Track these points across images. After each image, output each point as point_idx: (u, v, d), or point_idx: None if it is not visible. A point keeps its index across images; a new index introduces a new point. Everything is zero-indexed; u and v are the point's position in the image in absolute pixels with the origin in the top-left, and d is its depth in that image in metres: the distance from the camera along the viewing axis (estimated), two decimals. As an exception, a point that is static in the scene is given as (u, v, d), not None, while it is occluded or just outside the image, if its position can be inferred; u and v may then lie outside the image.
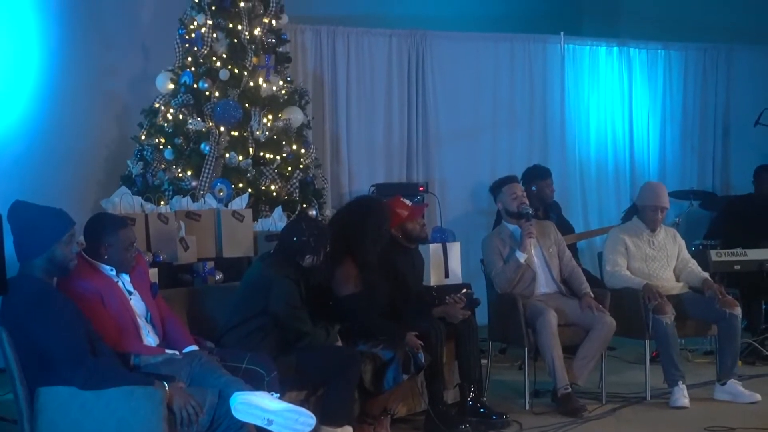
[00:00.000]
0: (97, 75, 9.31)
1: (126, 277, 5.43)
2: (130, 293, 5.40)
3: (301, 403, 5.82)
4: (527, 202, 7.70)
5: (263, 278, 6.09)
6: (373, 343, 6.33)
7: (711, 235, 9.78)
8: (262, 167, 8.45)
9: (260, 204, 8.27)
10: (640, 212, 8.00)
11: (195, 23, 8.56)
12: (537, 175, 9.45)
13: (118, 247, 5.34)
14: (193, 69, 8.49)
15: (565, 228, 9.34)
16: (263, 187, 8.38)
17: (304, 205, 8.51)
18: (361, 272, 6.53)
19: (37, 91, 8.95)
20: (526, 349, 7.40)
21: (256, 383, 5.29)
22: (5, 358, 4.75)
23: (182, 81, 8.48)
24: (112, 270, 5.35)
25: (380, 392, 6.25)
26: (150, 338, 5.36)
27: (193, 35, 8.57)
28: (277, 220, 7.82)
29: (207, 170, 8.17)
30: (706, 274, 8.00)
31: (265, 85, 8.68)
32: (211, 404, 4.85)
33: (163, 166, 8.39)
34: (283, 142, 8.63)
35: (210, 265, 7.09)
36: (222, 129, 8.33)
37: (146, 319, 5.42)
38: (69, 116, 9.06)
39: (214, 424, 4.86)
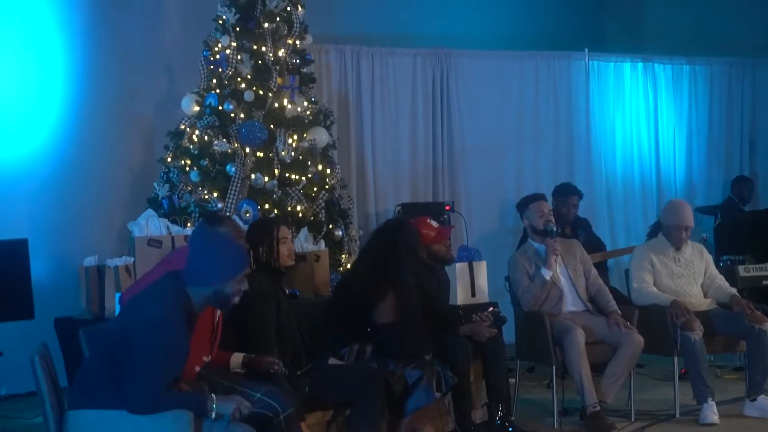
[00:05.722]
0: (122, 98, 9.39)
1: None
2: None
3: (327, 425, 5.81)
4: (553, 220, 7.68)
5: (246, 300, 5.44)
6: (404, 363, 6.28)
7: (721, 248, 9.83)
8: (287, 188, 8.46)
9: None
10: (665, 231, 7.97)
11: (219, 45, 8.60)
12: (558, 193, 9.45)
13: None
14: (218, 91, 8.52)
15: (596, 245, 9.32)
16: (289, 208, 8.38)
17: (331, 226, 8.52)
18: (399, 299, 6.45)
19: (62, 115, 9.05)
20: (554, 367, 7.36)
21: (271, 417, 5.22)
22: (36, 381, 4.75)
23: (207, 103, 8.51)
24: None
25: (409, 412, 6.19)
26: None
27: (217, 57, 8.61)
28: (303, 241, 7.83)
29: (233, 192, 8.18)
30: (734, 290, 7.96)
31: (289, 105, 8.69)
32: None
33: (189, 188, 8.40)
34: (309, 163, 8.63)
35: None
36: (247, 150, 8.35)
37: None
38: (94, 139, 9.16)
39: None
